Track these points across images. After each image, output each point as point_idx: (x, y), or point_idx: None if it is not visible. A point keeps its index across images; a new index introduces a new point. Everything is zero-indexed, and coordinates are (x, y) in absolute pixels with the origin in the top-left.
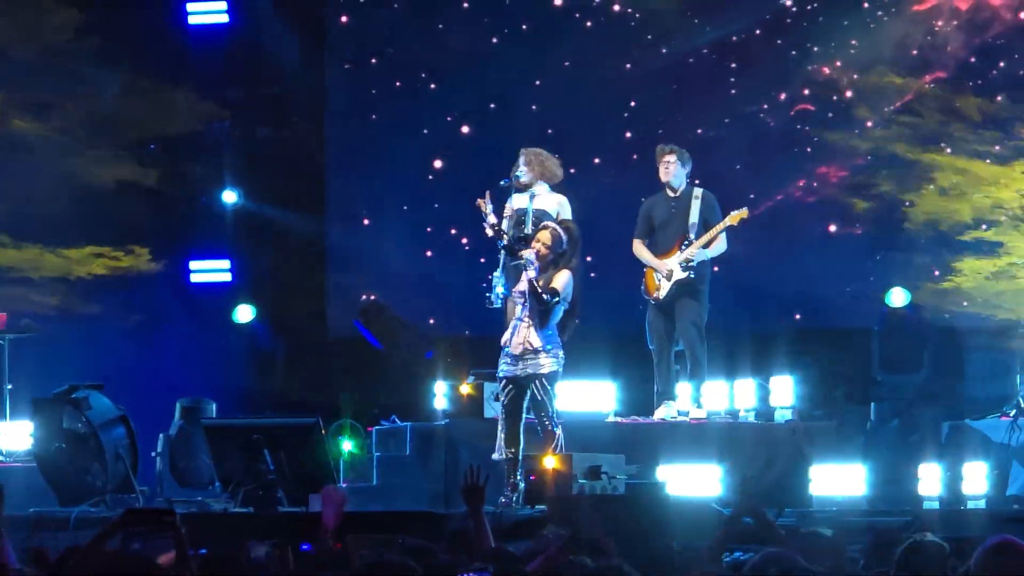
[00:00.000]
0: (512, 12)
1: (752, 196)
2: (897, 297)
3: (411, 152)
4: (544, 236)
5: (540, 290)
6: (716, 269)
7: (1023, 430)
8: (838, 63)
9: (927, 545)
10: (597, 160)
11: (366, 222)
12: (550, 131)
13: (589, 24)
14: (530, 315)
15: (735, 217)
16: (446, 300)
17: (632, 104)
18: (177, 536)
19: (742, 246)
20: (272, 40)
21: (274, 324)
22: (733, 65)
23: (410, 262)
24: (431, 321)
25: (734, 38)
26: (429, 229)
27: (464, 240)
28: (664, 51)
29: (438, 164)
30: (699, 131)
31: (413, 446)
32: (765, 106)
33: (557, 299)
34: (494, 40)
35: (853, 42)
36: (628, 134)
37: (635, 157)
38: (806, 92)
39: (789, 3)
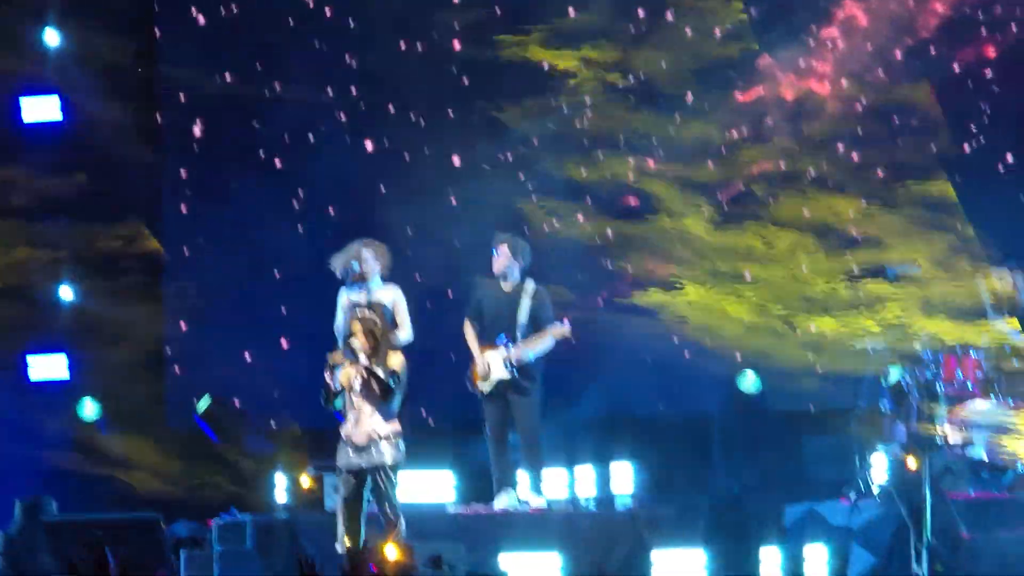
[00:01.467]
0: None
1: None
2: (748, 382)
3: (247, 248)
4: (356, 327)
5: (381, 374)
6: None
7: (863, 513)
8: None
9: None
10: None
11: (203, 317)
12: None
13: None
14: (368, 403)
15: (558, 332)
16: (285, 393)
17: None
18: None
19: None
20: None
21: (114, 418)
22: None
23: (246, 356)
24: (271, 415)
25: None
26: (269, 324)
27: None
28: None
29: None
30: None
31: (254, 539)
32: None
33: (395, 381)
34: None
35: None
36: None
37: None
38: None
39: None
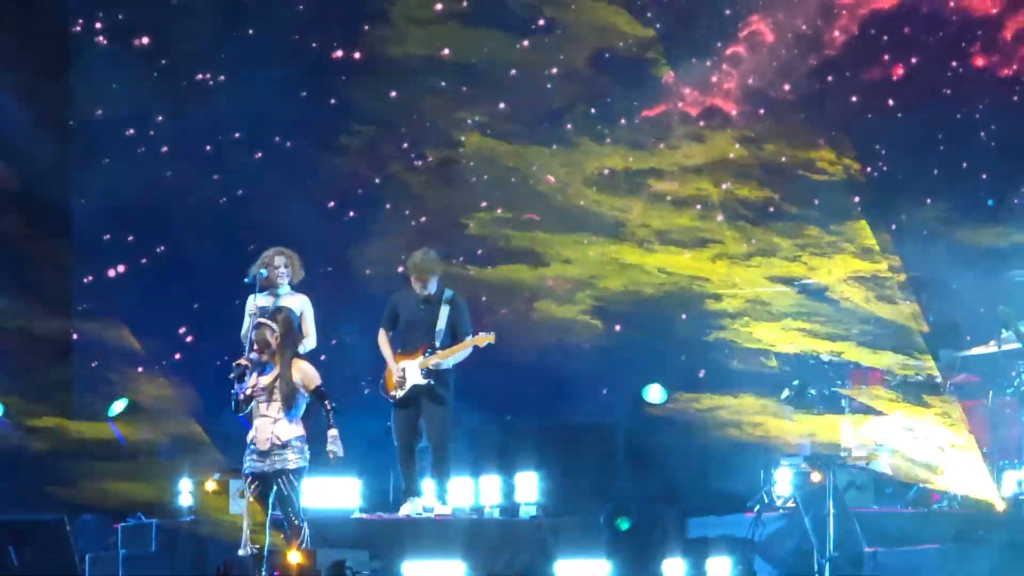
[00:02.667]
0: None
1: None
2: (654, 394)
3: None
4: (277, 326)
5: (325, 396)
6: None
7: (767, 526)
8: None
9: None
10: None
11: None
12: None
13: None
14: (271, 409)
15: (480, 340)
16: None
17: None
18: None
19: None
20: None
21: (18, 422)
22: None
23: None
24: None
25: None
26: (182, 330)
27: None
28: None
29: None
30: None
31: (159, 542)
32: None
33: (297, 389)
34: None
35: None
36: None
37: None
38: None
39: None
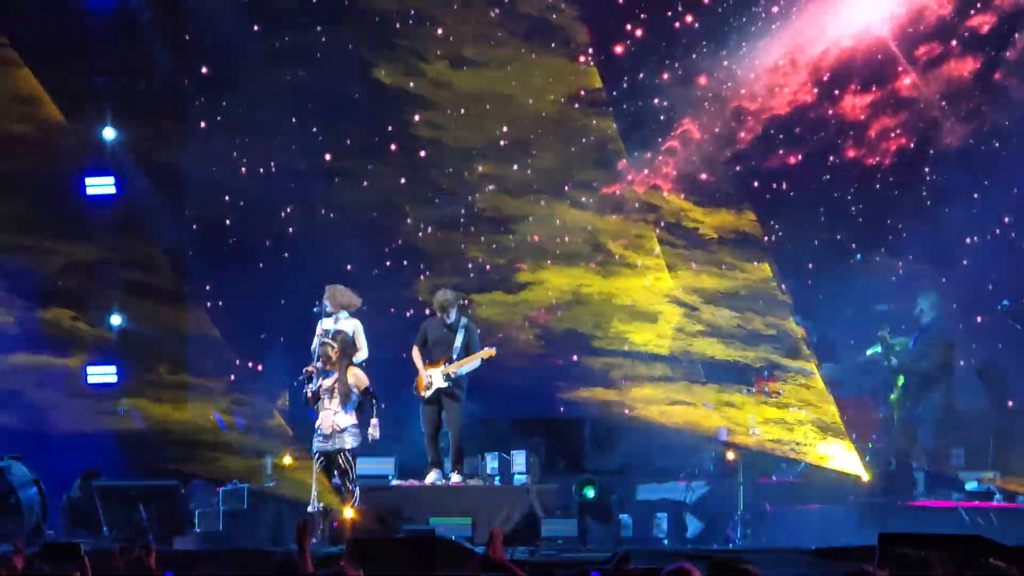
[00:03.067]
0: None
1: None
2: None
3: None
4: (336, 345)
5: (372, 395)
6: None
7: (695, 491)
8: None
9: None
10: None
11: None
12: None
13: None
14: (332, 404)
15: (485, 354)
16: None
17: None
18: (81, 564)
19: None
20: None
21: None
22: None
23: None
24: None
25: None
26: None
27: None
28: None
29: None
30: None
31: (250, 502)
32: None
33: (352, 390)
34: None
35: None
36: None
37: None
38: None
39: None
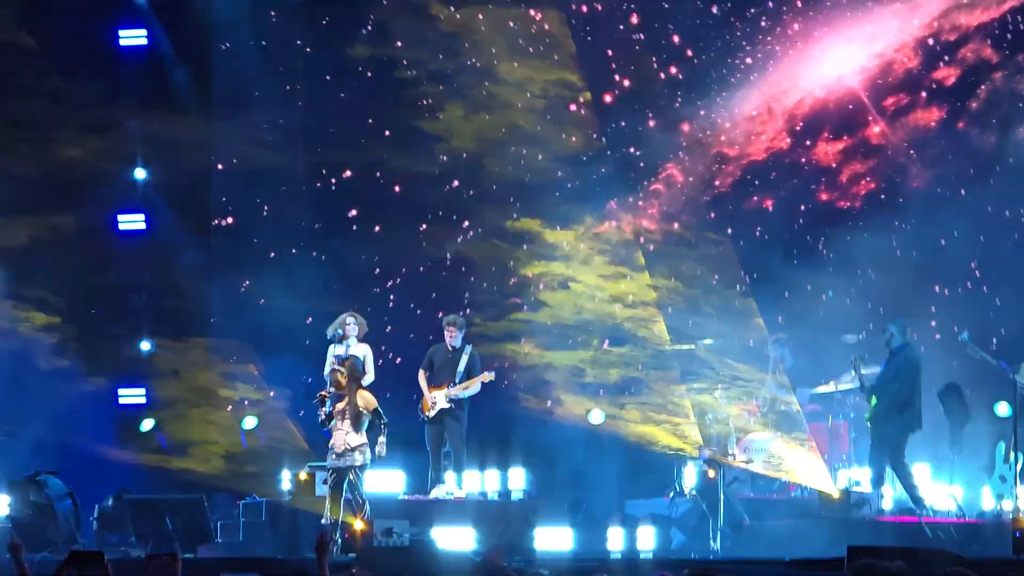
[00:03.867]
0: None
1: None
2: (595, 416)
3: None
4: (346, 368)
5: (380, 416)
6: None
7: (679, 506)
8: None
9: None
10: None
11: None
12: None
13: None
14: (346, 424)
15: (485, 378)
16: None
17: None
18: (105, 572)
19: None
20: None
21: (168, 434)
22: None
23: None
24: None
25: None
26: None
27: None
28: None
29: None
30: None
31: (268, 514)
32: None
33: (362, 411)
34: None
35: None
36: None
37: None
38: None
39: None
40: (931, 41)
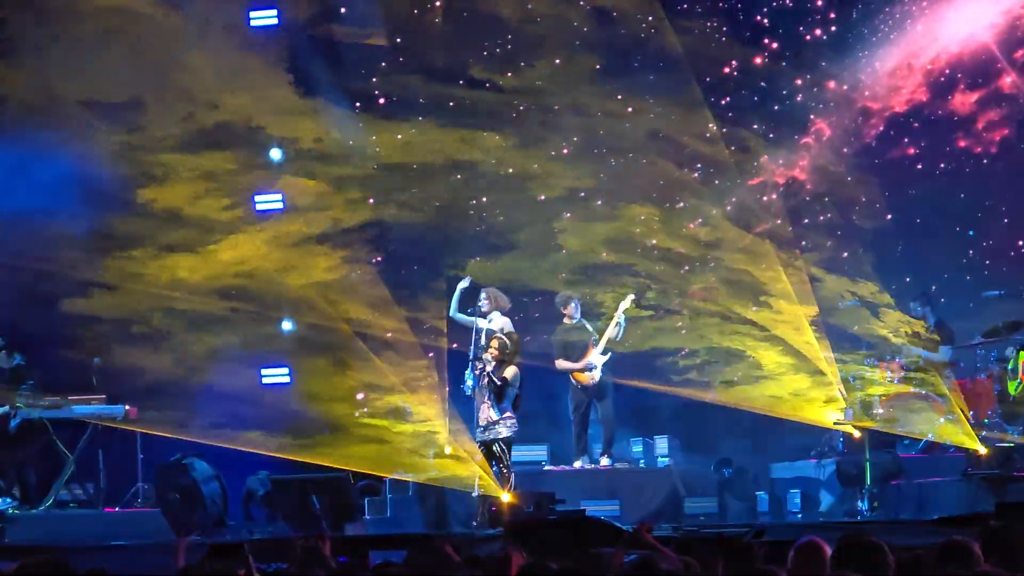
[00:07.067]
0: None
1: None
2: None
3: None
4: (494, 344)
5: (497, 380)
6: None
7: (826, 468)
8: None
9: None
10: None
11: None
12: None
13: None
14: (489, 398)
15: (623, 306)
16: None
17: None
18: (246, 562)
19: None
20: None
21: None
22: None
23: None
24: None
25: None
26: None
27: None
28: None
29: None
30: None
31: (414, 489)
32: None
33: (507, 385)
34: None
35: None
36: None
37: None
38: None
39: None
40: None
